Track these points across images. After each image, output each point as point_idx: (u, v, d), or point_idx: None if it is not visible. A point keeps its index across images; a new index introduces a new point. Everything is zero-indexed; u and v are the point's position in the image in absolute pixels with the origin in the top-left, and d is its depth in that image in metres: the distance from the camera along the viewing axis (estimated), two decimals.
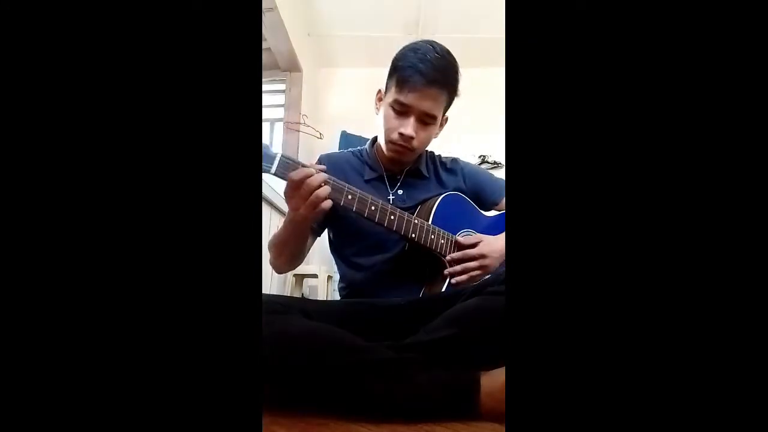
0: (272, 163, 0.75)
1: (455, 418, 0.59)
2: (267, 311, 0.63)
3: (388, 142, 0.92)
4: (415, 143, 0.90)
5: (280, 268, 0.96)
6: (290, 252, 0.91)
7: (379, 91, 0.97)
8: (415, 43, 0.91)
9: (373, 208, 0.82)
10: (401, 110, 0.89)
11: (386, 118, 0.92)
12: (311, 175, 0.74)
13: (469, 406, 0.60)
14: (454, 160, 1.10)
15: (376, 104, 0.98)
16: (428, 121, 0.90)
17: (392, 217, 0.84)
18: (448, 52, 0.90)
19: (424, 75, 0.85)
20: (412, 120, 0.89)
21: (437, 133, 0.96)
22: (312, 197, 0.74)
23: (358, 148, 1.07)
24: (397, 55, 0.92)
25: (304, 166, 0.77)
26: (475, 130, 2.63)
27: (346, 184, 0.81)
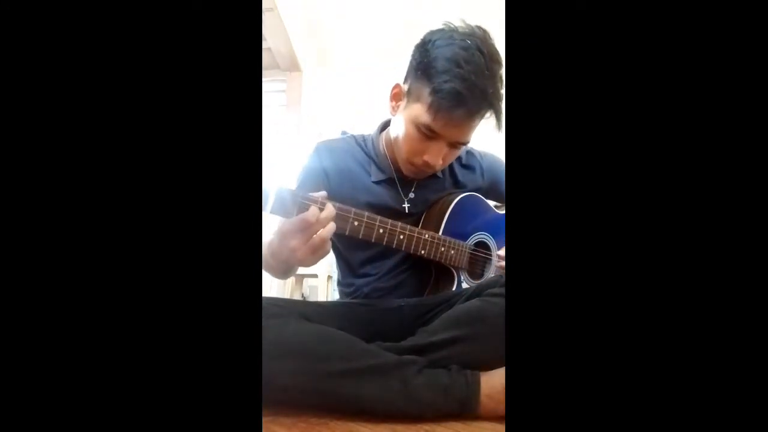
0: (266, 201, 0.62)
1: (455, 419, 0.59)
2: (266, 315, 0.63)
3: (409, 162, 0.81)
4: (438, 167, 0.80)
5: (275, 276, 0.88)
6: (279, 273, 0.81)
7: (398, 86, 0.81)
8: (463, 48, 0.70)
9: (381, 231, 0.77)
10: (431, 136, 0.75)
11: (409, 138, 0.77)
12: (317, 220, 0.61)
13: (468, 408, 0.60)
14: (470, 153, 0.97)
15: (392, 102, 0.83)
16: (459, 146, 0.80)
17: (401, 237, 0.79)
18: (498, 60, 0.73)
19: (468, 106, 0.70)
20: (441, 146, 0.76)
21: None
22: (315, 239, 0.61)
23: (363, 135, 0.96)
24: (434, 53, 0.72)
25: (305, 199, 0.64)
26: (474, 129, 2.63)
27: (352, 209, 0.72)
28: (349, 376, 0.59)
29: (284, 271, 0.80)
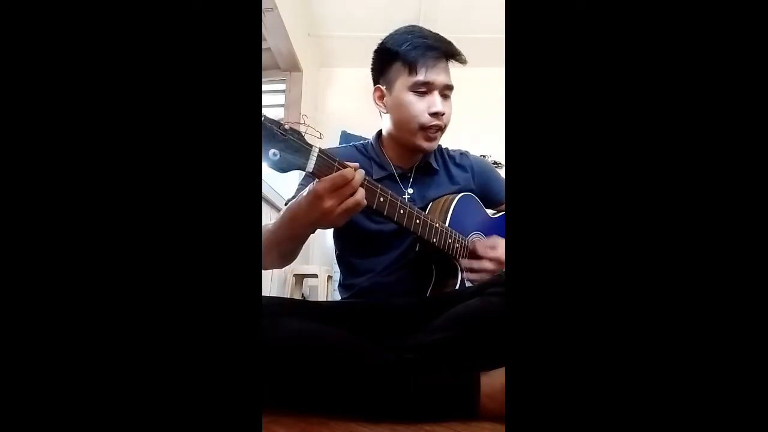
0: (307, 159, 0.66)
1: (455, 419, 0.59)
2: (266, 314, 0.63)
3: (420, 128, 0.89)
4: (445, 119, 0.90)
5: (267, 266, 0.86)
6: (282, 253, 0.82)
7: (377, 88, 0.94)
8: (403, 28, 0.91)
9: (401, 211, 0.79)
10: (424, 90, 0.88)
11: (408, 105, 0.88)
12: (354, 176, 0.66)
13: (469, 408, 0.60)
14: (463, 155, 1.07)
15: (378, 103, 0.95)
16: (448, 93, 0.91)
17: (417, 221, 0.82)
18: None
19: (436, 49, 0.87)
20: (436, 96, 0.88)
21: None
22: (351, 201, 0.66)
23: (361, 142, 1.03)
24: (388, 43, 0.90)
25: (341, 164, 0.69)
26: (475, 130, 2.63)
27: (379, 185, 0.75)
28: (349, 376, 0.59)
29: (300, 238, 0.80)
